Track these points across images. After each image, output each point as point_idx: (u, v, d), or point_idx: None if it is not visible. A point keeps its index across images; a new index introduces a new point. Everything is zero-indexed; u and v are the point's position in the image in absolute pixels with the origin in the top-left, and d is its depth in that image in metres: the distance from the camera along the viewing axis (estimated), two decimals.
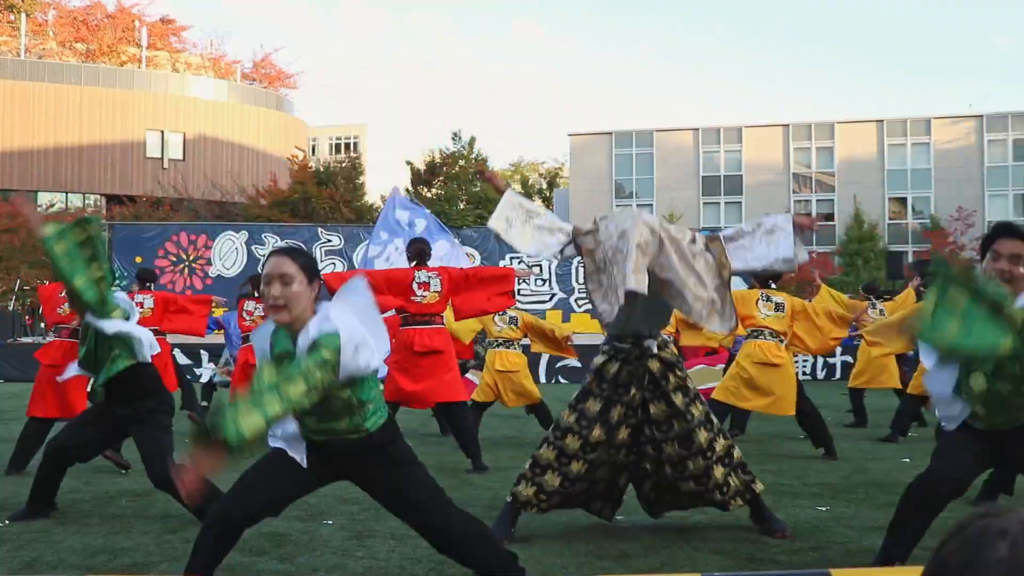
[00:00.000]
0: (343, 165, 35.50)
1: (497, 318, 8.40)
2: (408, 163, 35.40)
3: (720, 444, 4.59)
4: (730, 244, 4.50)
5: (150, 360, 4.96)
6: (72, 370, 5.11)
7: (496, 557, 3.41)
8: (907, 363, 10.69)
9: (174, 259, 20.41)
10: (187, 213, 33.68)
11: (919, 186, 43.09)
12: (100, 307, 4.65)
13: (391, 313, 7.20)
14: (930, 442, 8.68)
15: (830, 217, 42.62)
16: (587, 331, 18.62)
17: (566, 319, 19.91)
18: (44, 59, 42.61)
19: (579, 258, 4.50)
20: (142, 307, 8.33)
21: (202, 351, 17.46)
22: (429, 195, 33.82)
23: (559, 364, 18.44)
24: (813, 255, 33.46)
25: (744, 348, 7.73)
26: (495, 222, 4.50)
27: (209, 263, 20.57)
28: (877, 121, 44.35)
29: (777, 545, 4.47)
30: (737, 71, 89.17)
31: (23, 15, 43.39)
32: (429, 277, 7.14)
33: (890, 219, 43.33)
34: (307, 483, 3.38)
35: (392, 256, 11.87)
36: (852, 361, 12.92)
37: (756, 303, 7.63)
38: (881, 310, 10.35)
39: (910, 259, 35.41)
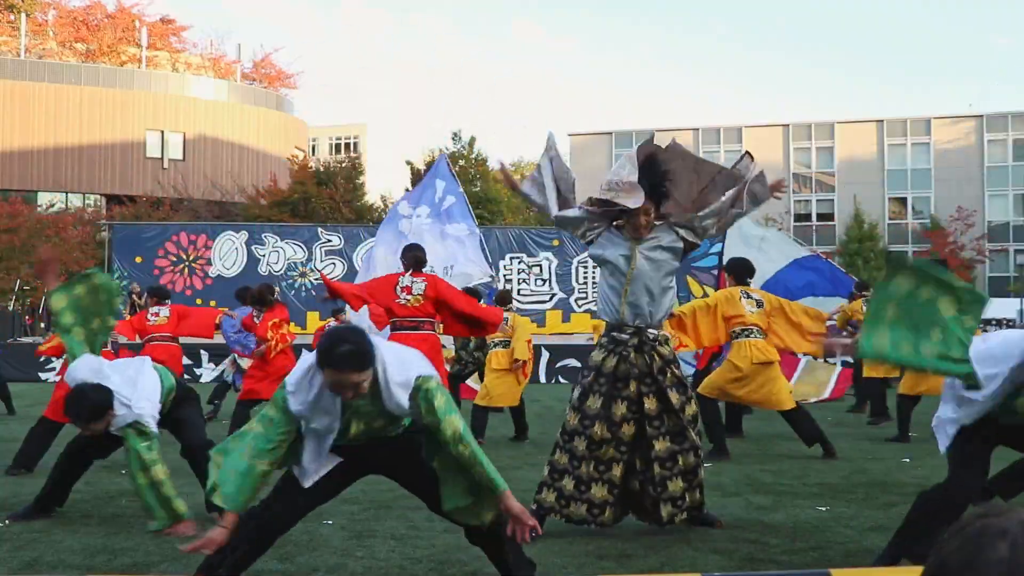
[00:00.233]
0: (343, 165, 35.50)
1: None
2: (408, 163, 35.40)
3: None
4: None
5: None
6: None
7: (517, 549, 3.56)
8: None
9: (174, 259, 20.41)
10: (187, 213, 33.68)
11: (919, 186, 43.07)
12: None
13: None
14: (929, 442, 8.67)
15: (830, 217, 42.62)
16: (587, 331, 18.63)
17: (566, 319, 19.93)
18: (44, 59, 42.61)
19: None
20: (158, 316, 9.46)
21: (202, 351, 17.47)
22: None
23: (559, 364, 18.45)
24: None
25: (737, 348, 7.71)
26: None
27: (209, 263, 20.57)
28: (877, 121, 44.33)
29: (777, 545, 4.47)
30: (737, 71, 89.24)
31: (23, 15, 43.38)
32: (413, 281, 7.23)
33: (890, 219, 43.32)
34: (338, 485, 3.55)
35: (415, 226, 11.72)
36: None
37: (740, 301, 7.65)
38: None
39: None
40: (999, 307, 29.80)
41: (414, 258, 7.41)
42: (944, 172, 42.75)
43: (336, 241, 20.94)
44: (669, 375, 4.57)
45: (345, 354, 3.03)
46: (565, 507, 4.54)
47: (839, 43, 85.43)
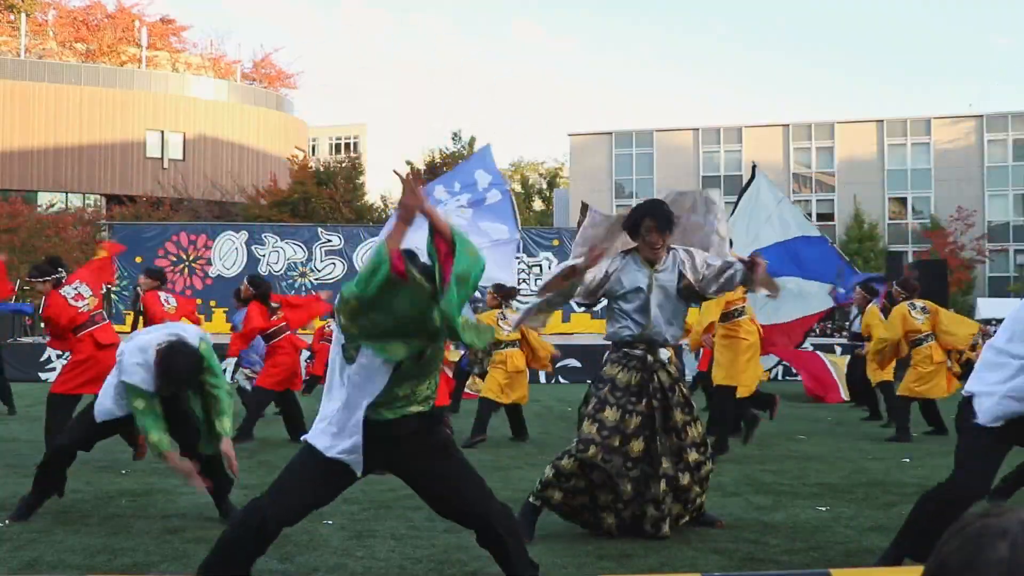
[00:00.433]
0: (343, 165, 35.51)
1: (502, 322, 8.46)
2: (408, 163, 35.43)
3: (704, 469, 4.75)
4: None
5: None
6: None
7: (522, 552, 3.55)
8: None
9: (174, 259, 20.40)
10: (187, 213, 33.68)
11: (919, 186, 43.07)
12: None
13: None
14: (929, 442, 8.68)
15: (830, 217, 42.61)
16: (587, 331, 18.63)
17: (566, 319, 19.92)
18: (44, 59, 42.60)
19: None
20: (168, 304, 8.95)
21: None
22: None
23: (559, 364, 18.40)
24: None
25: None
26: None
27: (209, 263, 20.57)
28: (877, 121, 44.32)
29: (777, 545, 4.47)
30: (737, 71, 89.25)
31: (23, 15, 43.38)
32: None
33: (890, 219, 43.32)
34: (348, 480, 3.39)
35: (448, 212, 11.12)
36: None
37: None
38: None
39: (910, 259, 35.40)
40: (999, 307, 29.78)
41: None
42: (944, 172, 42.73)
43: (336, 241, 20.94)
44: (677, 393, 4.67)
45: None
46: (571, 500, 4.57)
47: (839, 43, 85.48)
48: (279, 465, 7.03)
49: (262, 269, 20.27)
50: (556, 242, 20.89)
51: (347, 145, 55.56)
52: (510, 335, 8.55)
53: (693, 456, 4.65)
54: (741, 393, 7.99)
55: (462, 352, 10.80)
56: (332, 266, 20.54)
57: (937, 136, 43.29)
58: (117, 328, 8.86)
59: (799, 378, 16.34)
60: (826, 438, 8.97)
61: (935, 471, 6.82)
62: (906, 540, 3.81)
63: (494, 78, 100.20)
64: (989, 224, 41.22)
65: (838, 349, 16.90)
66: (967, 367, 24.88)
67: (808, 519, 5.08)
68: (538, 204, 51.21)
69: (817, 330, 21.91)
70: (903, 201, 43.43)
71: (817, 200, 43.94)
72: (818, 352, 16.28)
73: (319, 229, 21.54)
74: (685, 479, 4.62)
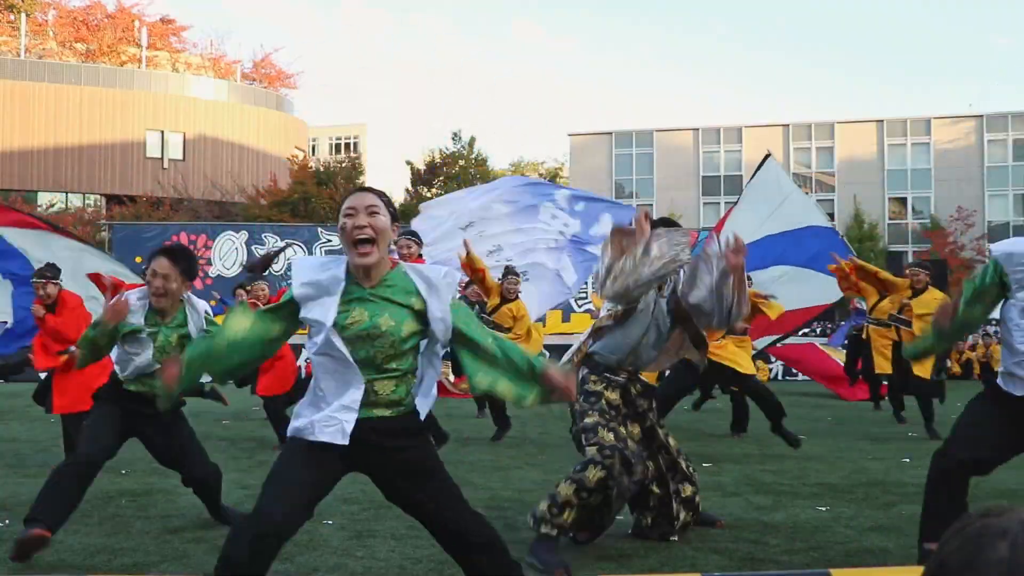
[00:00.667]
0: (343, 165, 35.50)
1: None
2: (408, 163, 35.42)
3: (695, 476, 4.75)
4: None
5: None
6: None
7: (506, 568, 3.20)
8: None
9: None
10: (187, 213, 33.67)
11: (919, 186, 43.09)
12: None
13: None
14: (929, 442, 8.68)
15: (830, 217, 42.54)
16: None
17: (566, 319, 19.93)
18: (44, 59, 42.61)
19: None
20: None
21: None
22: (429, 195, 33.83)
23: (559, 364, 18.43)
24: None
25: None
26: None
27: (209, 263, 20.58)
28: (877, 121, 44.35)
29: (777, 545, 4.47)
30: (737, 71, 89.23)
31: (23, 15, 43.39)
32: None
33: (890, 219, 43.34)
34: (337, 472, 3.09)
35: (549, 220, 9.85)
36: None
37: None
38: None
39: (910, 259, 35.38)
40: (999, 307, 29.74)
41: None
42: (944, 172, 42.75)
43: (336, 241, 20.94)
44: (650, 417, 4.62)
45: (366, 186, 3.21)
46: (580, 529, 4.32)
47: (839, 43, 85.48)
48: None
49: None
50: None
51: (347, 145, 55.55)
52: (515, 331, 8.66)
53: (683, 465, 4.65)
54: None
55: None
56: None
57: (937, 136, 43.30)
58: None
59: (799, 378, 16.36)
60: (826, 438, 8.98)
61: None
62: (924, 528, 3.88)
63: (494, 78, 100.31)
64: (989, 224, 41.23)
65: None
66: (967, 367, 24.95)
67: (808, 519, 5.08)
68: None
69: (817, 330, 21.88)
70: (903, 201, 43.45)
71: (817, 200, 43.88)
72: (815, 343, 16.29)
73: (319, 229, 21.54)
74: (688, 490, 4.63)
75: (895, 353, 9.95)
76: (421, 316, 3.00)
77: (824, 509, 5.37)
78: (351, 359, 2.94)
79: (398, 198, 34.59)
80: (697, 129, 45.58)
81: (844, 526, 4.91)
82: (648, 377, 4.87)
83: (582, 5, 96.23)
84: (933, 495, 3.84)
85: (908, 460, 7.45)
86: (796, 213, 9.60)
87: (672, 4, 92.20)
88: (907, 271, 9.47)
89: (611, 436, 4.28)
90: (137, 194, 36.65)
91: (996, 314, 4.33)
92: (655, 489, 4.57)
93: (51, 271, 7.01)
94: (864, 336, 11.03)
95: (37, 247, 7.84)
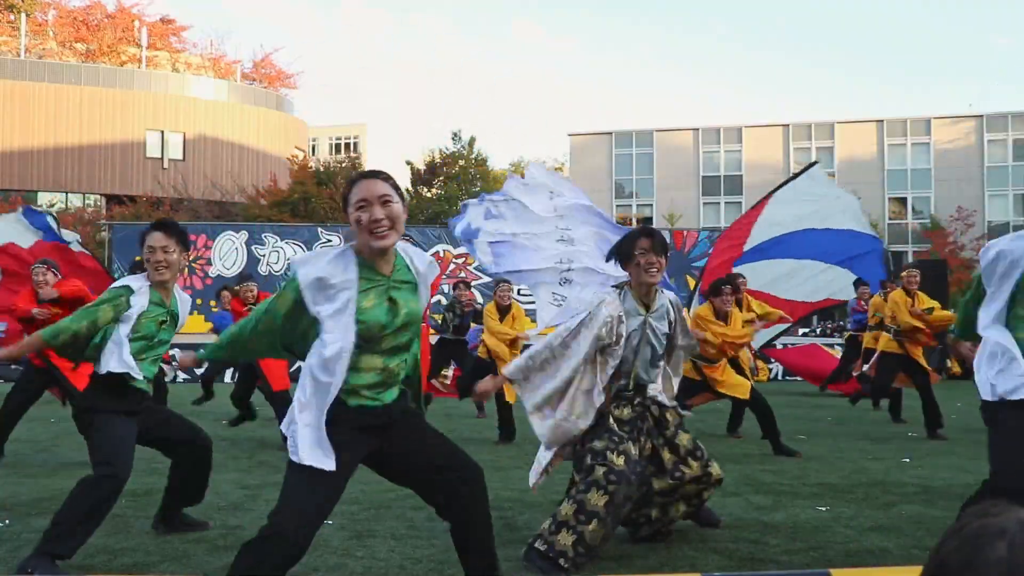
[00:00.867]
0: (343, 165, 35.51)
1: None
2: (408, 163, 35.40)
3: (705, 495, 4.65)
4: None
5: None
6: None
7: (491, 551, 3.24)
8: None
9: None
10: (187, 213, 33.68)
11: (919, 186, 43.09)
12: None
13: None
14: (929, 442, 8.68)
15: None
16: None
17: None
18: (44, 59, 42.62)
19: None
20: None
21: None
22: (429, 195, 33.83)
23: None
24: None
25: None
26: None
27: (209, 263, 20.58)
28: (877, 121, 44.35)
29: (777, 545, 4.47)
30: (737, 71, 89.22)
31: (23, 15, 43.40)
32: None
33: (890, 219, 43.33)
34: (346, 477, 3.03)
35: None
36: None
37: None
38: None
39: (910, 259, 35.39)
40: None
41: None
42: (944, 172, 42.75)
43: (336, 241, 20.93)
44: (671, 418, 4.52)
45: (374, 170, 3.24)
46: (582, 555, 3.98)
47: (839, 43, 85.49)
48: (279, 465, 7.04)
49: (262, 269, 20.29)
50: None
51: (347, 145, 55.55)
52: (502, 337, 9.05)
53: (713, 467, 4.52)
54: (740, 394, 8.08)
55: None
56: None
57: (937, 136, 43.31)
58: None
59: (800, 379, 16.36)
60: (826, 438, 8.98)
61: (935, 471, 6.82)
62: None
63: (494, 78, 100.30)
64: (989, 224, 41.23)
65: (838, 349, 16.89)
66: (966, 367, 25.00)
67: (808, 519, 5.08)
68: None
69: (818, 330, 21.93)
70: (903, 201, 43.45)
71: None
72: (817, 344, 16.32)
73: (319, 229, 21.54)
74: (679, 509, 4.58)
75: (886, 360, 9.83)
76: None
77: (824, 509, 5.37)
78: (375, 347, 3.00)
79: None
80: (697, 129, 45.57)
81: (844, 526, 4.91)
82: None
83: (582, 5, 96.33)
84: None
85: (908, 460, 7.44)
86: (837, 215, 9.52)
87: (672, 4, 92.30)
88: (903, 274, 9.47)
89: (621, 460, 4.12)
90: (137, 194, 36.65)
91: None
92: (654, 504, 4.49)
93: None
94: (864, 341, 11.09)
95: None
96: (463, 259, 20.70)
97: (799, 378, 16.35)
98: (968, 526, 1.06)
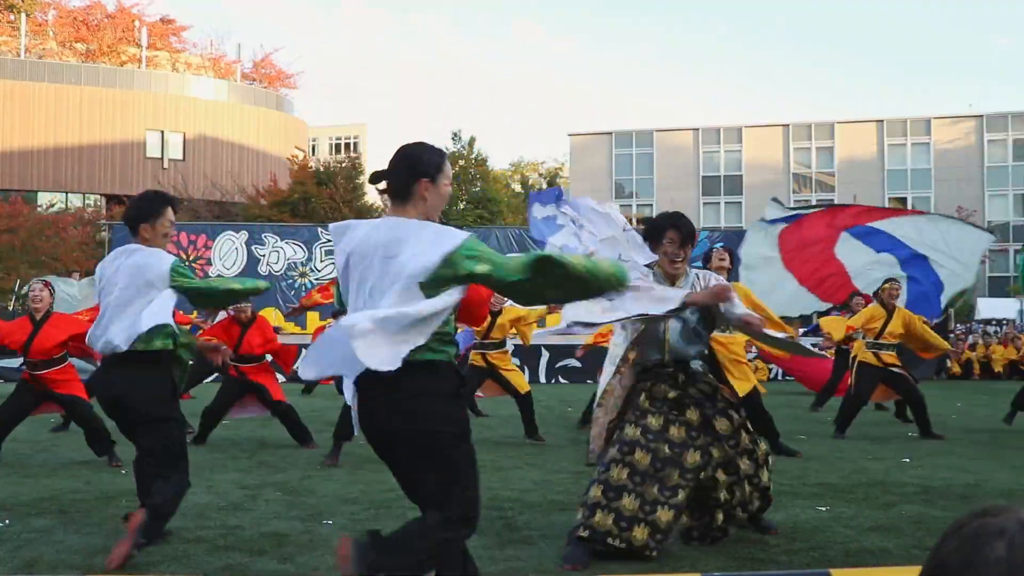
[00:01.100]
0: (343, 165, 35.49)
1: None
2: None
3: (763, 476, 4.56)
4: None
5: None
6: None
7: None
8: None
9: None
10: (187, 213, 33.66)
11: (919, 186, 43.10)
12: None
13: None
14: (929, 442, 8.68)
15: None
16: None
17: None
18: (44, 59, 42.62)
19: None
20: None
21: None
22: None
23: (559, 364, 18.45)
24: None
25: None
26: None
27: (209, 263, 20.57)
28: (877, 121, 44.36)
29: (777, 545, 4.46)
30: (737, 71, 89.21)
31: (23, 15, 43.39)
32: None
33: None
34: None
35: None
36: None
37: None
38: None
39: None
40: (999, 307, 29.78)
41: None
42: (944, 172, 42.76)
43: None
44: (720, 400, 4.51)
45: None
46: (626, 530, 4.09)
47: (839, 43, 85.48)
48: (279, 465, 7.05)
49: (262, 269, 20.29)
50: None
51: (347, 145, 55.54)
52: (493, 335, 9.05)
53: (745, 464, 4.44)
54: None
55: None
56: (332, 266, 20.54)
57: (937, 136, 43.32)
58: None
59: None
60: (826, 438, 8.98)
61: (935, 471, 6.82)
62: None
63: (494, 78, 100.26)
64: (989, 224, 41.23)
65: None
66: (967, 367, 24.84)
67: (808, 519, 5.08)
68: None
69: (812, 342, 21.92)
70: (903, 201, 43.43)
71: (817, 200, 43.91)
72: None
73: (319, 229, 21.53)
74: (749, 466, 4.46)
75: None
76: None
77: (824, 509, 5.36)
78: None
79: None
80: (697, 129, 45.57)
81: (844, 526, 4.91)
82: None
83: (582, 5, 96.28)
84: None
85: (908, 460, 7.45)
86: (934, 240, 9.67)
87: (672, 4, 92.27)
88: (884, 285, 9.23)
89: (636, 431, 4.25)
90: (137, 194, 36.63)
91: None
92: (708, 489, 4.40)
93: None
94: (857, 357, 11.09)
95: None
96: None
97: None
98: (967, 526, 1.06)
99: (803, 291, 9.19)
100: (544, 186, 51.91)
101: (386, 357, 2.69)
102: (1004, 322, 26.96)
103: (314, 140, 54.24)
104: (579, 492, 5.91)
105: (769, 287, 8.89)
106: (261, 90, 46.52)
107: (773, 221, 9.45)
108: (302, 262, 20.76)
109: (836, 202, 42.89)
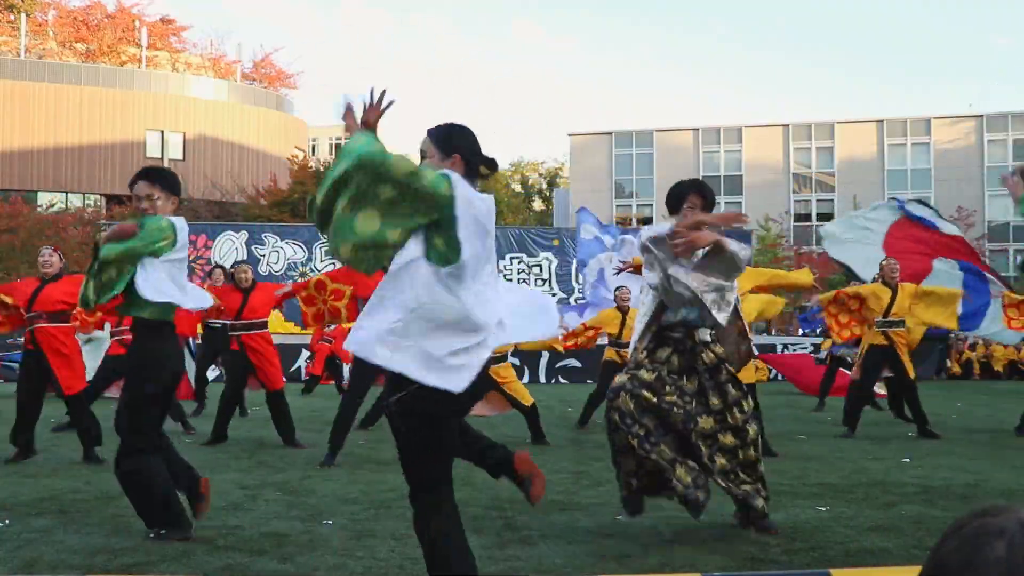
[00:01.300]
0: None
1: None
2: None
3: (746, 454, 4.59)
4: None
5: None
6: None
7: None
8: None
9: None
10: (187, 213, 33.66)
11: (919, 186, 43.07)
12: None
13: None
14: (929, 442, 8.68)
15: (830, 217, 42.58)
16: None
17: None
18: (44, 59, 42.63)
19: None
20: None
21: None
22: None
23: (559, 364, 18.45)
24: (814, 256, 33.47)
25: None
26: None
27: (209, 263, 20.58)
28: (877, 121, 44.35)
29: (777, 545, 4.46)
30: (737, 71, 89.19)
31: (23, 15, 43.40)
32: None
33: None
34: None
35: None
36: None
37: None
38: None
39: None
40: None
41: None
42: (944, 172, 42.75)
43: None
44: (724, 372, 4.54)
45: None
46: (647, 458, 4.29)
47: (839, 43, 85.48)
48: (278, 465, 7.05)
49: (262, 269, 20.30)
50: (556, 242, 20.87)
51: None
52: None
53: (728, 439, 4.48)
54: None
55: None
56: (332, 266, 20.54)
57: (937, 136, 43.31)
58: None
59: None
60: (826, 438, 8.98)
61: (935, 471, 6.82)
62: None
63: (494, 78, 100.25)
64: (989, 224, 41.24)
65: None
66: (967, 367, 24.86)
67: (808, 519, 5.08)
68: (538, 204, 51.23)
69: (807, 343, 21.87)
70: None
71: (817, 200, 43.95)
72: (808, 356, 16.42)
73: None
74: (751, 452, 4.50)
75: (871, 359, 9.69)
76: None
77: (824, 509, 5.36)
78: None
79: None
80: (697, 129, 45.56)
81: (844, 526, 4.91)
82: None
83: (582, 5, 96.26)
84: None
85: (908, 460, 7.45)
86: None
87: (672, 4, 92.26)
88: (883, 263, 9.27)
89: (626, 377, 4.35)
90: None
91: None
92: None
93: None
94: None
95: None
96: None
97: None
98: (967, 526, 1.05)
99: (881, 256, 9.61)
100: (544, 186, 52.04)
101: None
102: None
103: (314, 140, 54.25)
104: (579, 492, 5.91)
105: (854, 252, 9.69)
106: (261, 90, 46.53)
107: (909, 213, 10.25)
108: (302, 262, 20.77)
109: (836, 202, 42.97)
